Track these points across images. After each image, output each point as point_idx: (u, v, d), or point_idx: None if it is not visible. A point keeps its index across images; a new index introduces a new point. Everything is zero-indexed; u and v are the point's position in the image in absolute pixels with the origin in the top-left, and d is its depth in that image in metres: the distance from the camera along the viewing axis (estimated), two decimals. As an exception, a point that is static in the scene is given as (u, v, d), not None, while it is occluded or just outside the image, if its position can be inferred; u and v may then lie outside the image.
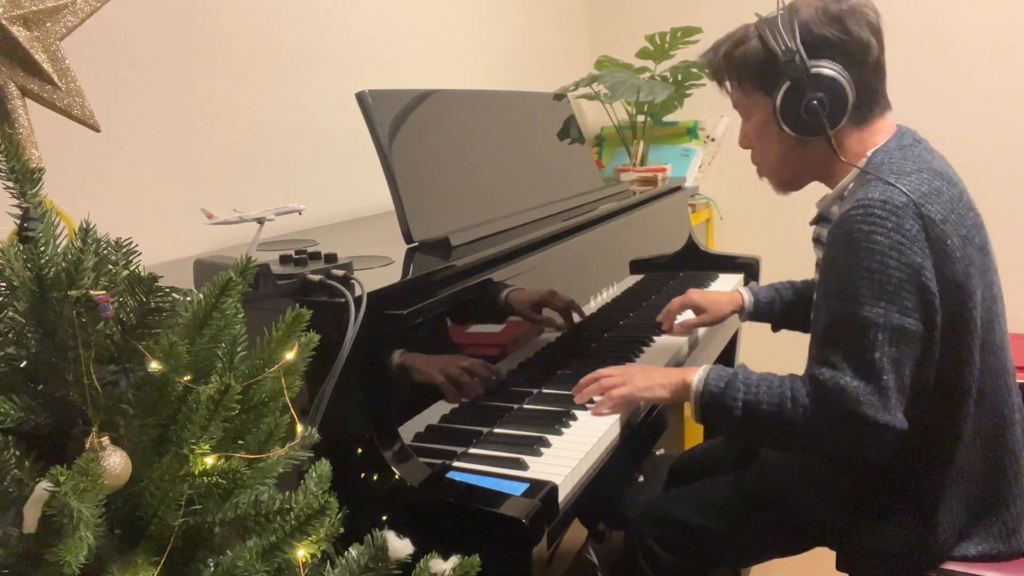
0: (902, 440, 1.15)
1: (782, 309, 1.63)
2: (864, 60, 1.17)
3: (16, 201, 0.65)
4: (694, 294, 1.63)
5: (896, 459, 1.18)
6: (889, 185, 1.09)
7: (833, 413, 1.10)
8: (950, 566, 1.19)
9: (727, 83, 1.29)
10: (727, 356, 2.15)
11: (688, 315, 1.64)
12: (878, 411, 1.08)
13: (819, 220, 1.31)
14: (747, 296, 1.64)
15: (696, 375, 1.20)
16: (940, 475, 1.17)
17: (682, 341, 1.60)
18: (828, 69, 1.16)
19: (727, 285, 2.05)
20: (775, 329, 1.67)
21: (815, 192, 1.32)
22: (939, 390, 1.14)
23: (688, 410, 1.23)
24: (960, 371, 1.14)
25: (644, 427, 1.30)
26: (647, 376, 1.26)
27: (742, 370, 1.20)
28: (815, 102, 1.16)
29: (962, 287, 1.10)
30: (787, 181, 1.31)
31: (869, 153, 1.20)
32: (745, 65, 1.23)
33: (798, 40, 1.16)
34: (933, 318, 1.09)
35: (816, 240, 1.32)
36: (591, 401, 1.26)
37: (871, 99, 1.20)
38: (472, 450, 1.11)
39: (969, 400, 1.15)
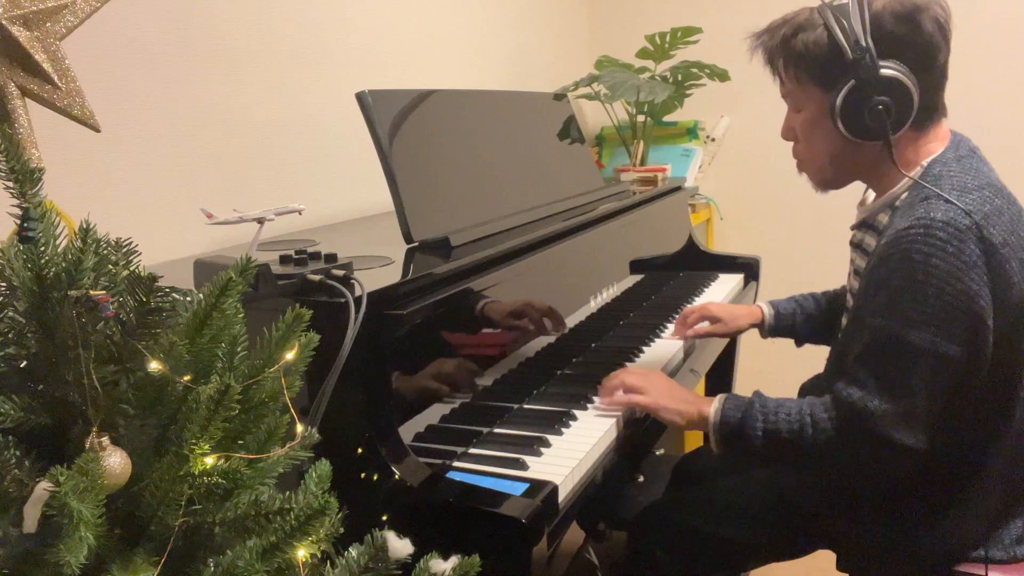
0: (930, 453, 1.13)
1: (804, 322, 1.58)
2: (931, 63, 1.11)
3: (16, 201, 0.65)
4: (712, 306, 1.60)
5: (915, 469, 1.17)
6: (951, 204, 1.04)
7: (857, 435, 1.09)
8: (953, 569, 1.18)
9: (780, 70, 1.21)
10: (727, 358, 2.15)
11: (703, 324, 1.60)
12: (903, 434, 1.06)
13: (862, 225, 1.26)
14: (767, 310, 1.60)
15: (712, 407, 1.19)
16: (959, 488, 1.16)
17: (679, 343, 1.59)
18: (897, 71, 1.09)
19: (727, 285, 2.05)
20: (799, 344, 1.62)
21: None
22: (982, 411, 1.13)
23: (710, 440, 1.21)
24: (1007, 393, 1.12)
25: (644, 427, 1.30)
26: (669, 397, 1.23)
27: (758, 397, 1.18)
28: (880, 107, 1.09)
29: (1019, 310, 1.08)
30: (830, 180, 1.25)
31: (925, 162, 1.15)
32: (806, 56, 1.15)
33: (869, 36, 1.09)
34: (983, 347, 1.06)
35: (856, 245, 1.28)
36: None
37: (931, 105, 1.14)
38: (472, 450, 1.11)
39: (1012, 422, 1.13)
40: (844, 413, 1.10)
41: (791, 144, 1.28)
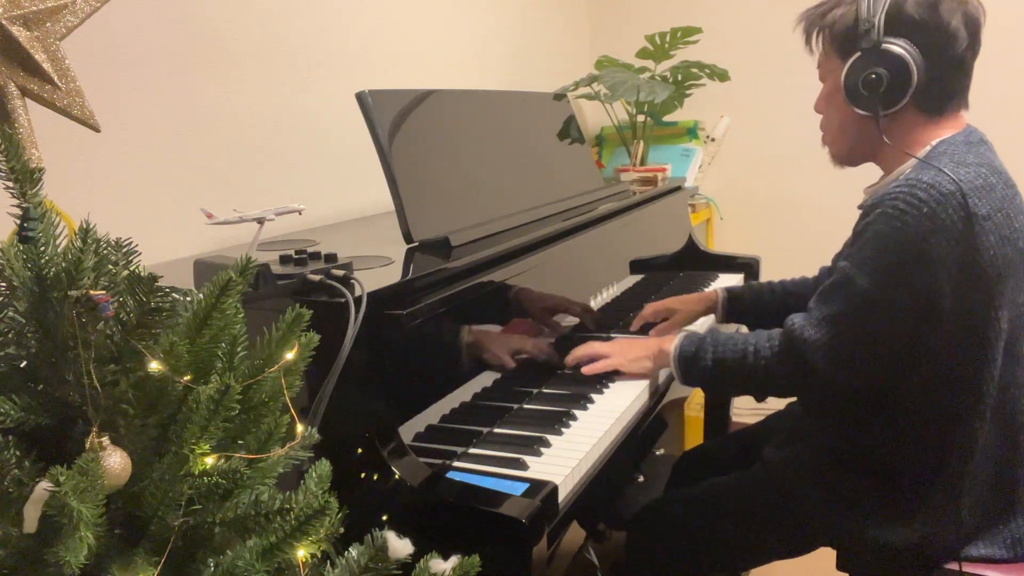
0: (916, 440, 1.16)
1: (754, 305, 1.64)
2: (945, 51, 1.15)
3: (16, 201, 0.65)
4: (669, 300, 1.65)
5: (908, 460, 1.19)
6: (941, 172, 1.08)
7: (789, 360, 1.19)
8: (952, 567, 1.18)
9: (813, 42, 1.28)
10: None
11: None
12: (826, 365, 1.15)
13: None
14: (721, 293, 1.66)
15: (672, 343, 1.32)
16: (951, 479, 1.16)
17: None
18: (900, 48, 1.14)
19: (727, 285, 2.05)
20: (751, 329, 1.65)
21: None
22: (959, 392, 1.14)
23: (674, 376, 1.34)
24: (981, 373, 1.13)
25: (644, 427, 1.30)
26: (632, 350, 1.36)
27: (712, 332, 1.30)
28: (874, 76, 1.15)
29: (990, 287, 1.09)
30: (842, 154, 1.31)
31: (934, 142, 1.18)
32: (833, 27, 1.22)
33: (883, 12, 1.14)
34: (934, 309, 1.09)
35: None
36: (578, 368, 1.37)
37: (945, 92, 1.18)
38: (472, 450, 1.11)
39: (988, 404, 1.14)
40: (785, 338, 1.20)
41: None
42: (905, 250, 1.07)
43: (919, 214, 1.06)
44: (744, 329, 1.72)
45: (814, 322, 1.16)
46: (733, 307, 1.65)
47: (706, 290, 1.71)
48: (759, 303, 1.64)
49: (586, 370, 1.34)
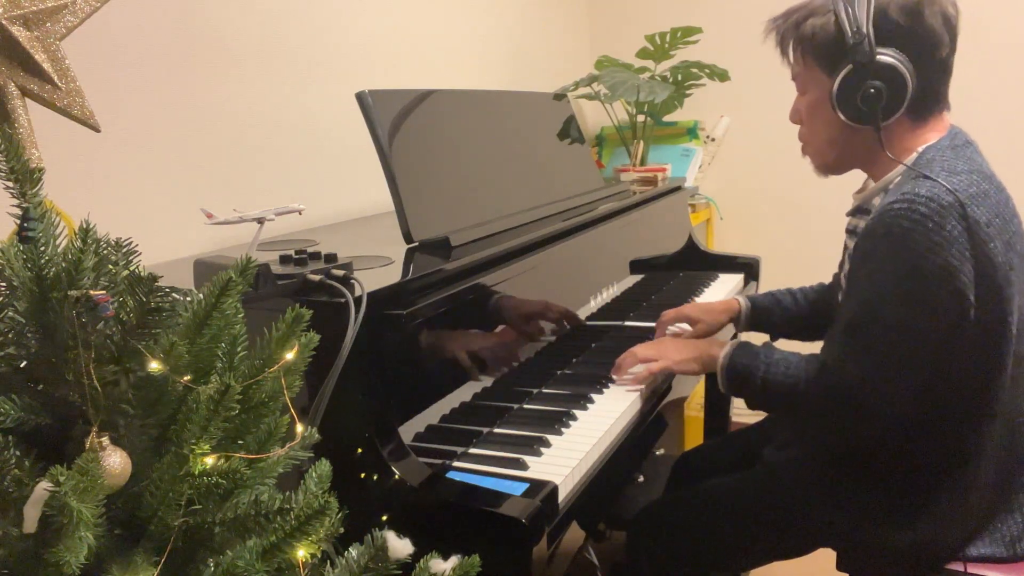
0: (922, 443, 1.16)
1: (781, 317, 1.60)
2: (931, 55, 1.15)
3: (16, 201, 0.65)
4: (687, 307, 1.61)
5: (916, 464, 1.19)
6: (936, 182, 1.07)
7: (833, 399, 1.16)
8: (953, 567, 1.18)
9: (789, 53, 1.26)
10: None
11: (683, 327, 1.60)
12: (874, 403, 1.12)
13: (856, 211, 1.30)
14: (744, 303, 1.61)
15: (723, 351, 1.27)
16: (953, 480, 1.17)
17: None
18: (893, 59, 1.13)
19: (727, 285, 2.05)
20: (773, 339, 1.64)
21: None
22: (970, 397, 1.14)
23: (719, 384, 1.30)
24: (993, 379, 1.13)
25: (644, 427, 1.30)
26: (679, 351, 1.33)
27: (765, 348, 1.24)
28: (873, 90, 1.14)
29: (1001, 292, 1.09)
30: (829, 164, 1.29)
31: (920, 148, 1.18)
32: (813, 39, 1.20)
33: (870, 24, 1.13)
34: (962, 322, 1.08)
35: (851, 231, 1.31)
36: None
37: (931, 96, 1.18)
38: (472, 450, 1.11)
39: (997, 409, 1.15)
40: (826, 379, 1.17)
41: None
42: (924, 269, 1.05)
43: (926, 230, 1.05)
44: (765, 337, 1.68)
45: (850, 358, 1.14)
46: (757, 318, 1.61)
47: (725, 298, 1.68)
48: (785, 315, 1.60)
49: (635, 380, 1.30)
